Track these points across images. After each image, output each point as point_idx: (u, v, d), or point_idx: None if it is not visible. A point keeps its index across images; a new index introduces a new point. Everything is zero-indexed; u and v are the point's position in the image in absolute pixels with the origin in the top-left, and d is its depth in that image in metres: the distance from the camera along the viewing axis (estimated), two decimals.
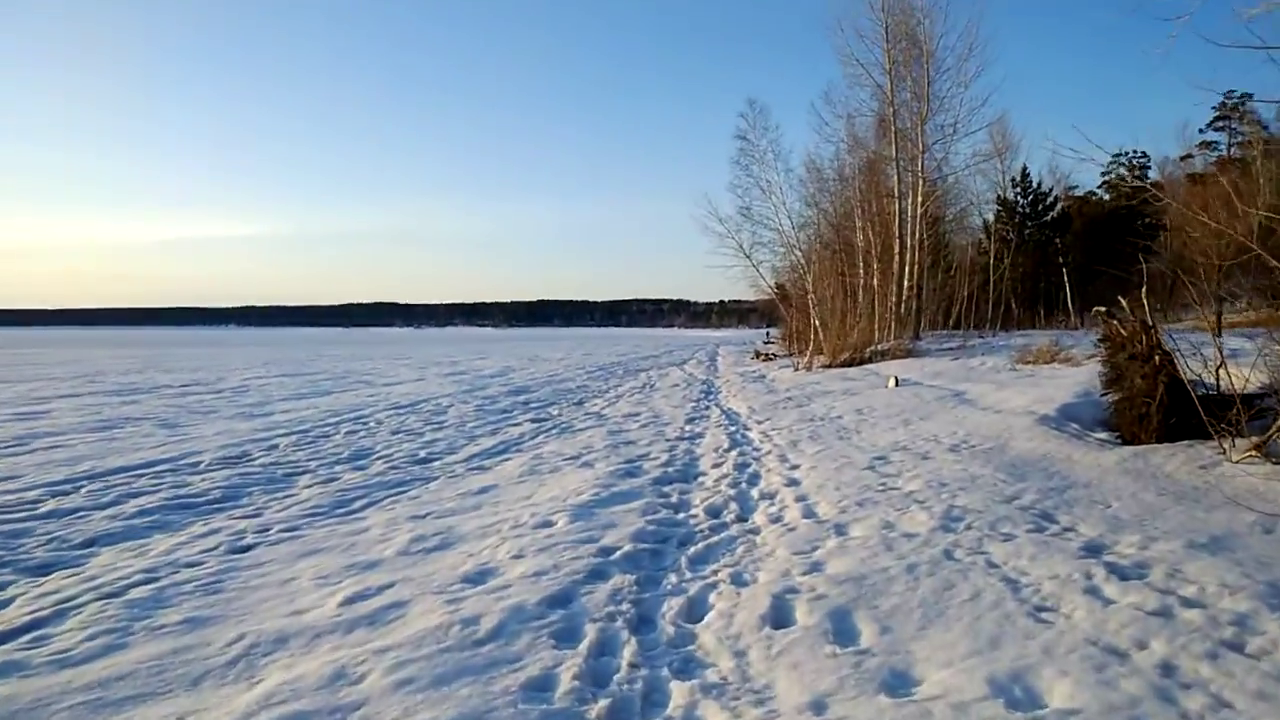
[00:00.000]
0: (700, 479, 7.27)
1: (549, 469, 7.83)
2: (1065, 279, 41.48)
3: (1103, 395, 8.30)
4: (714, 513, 5.91)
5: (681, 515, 5.86)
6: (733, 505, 6.04)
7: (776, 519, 5.53)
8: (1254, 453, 5.87)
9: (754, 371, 22.05)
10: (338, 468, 8.18)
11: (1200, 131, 55.37)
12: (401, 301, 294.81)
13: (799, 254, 28.06)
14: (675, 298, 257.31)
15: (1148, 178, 53.13)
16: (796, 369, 19.95)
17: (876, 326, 24.20)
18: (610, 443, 9.39)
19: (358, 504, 6.59)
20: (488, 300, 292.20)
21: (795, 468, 7.37)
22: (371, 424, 11.57)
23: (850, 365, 19.20)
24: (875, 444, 8.32)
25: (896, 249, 25.99)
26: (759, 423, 10.96)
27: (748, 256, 28.44)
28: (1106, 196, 51.18)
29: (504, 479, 7.44)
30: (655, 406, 13.54)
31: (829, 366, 19.57)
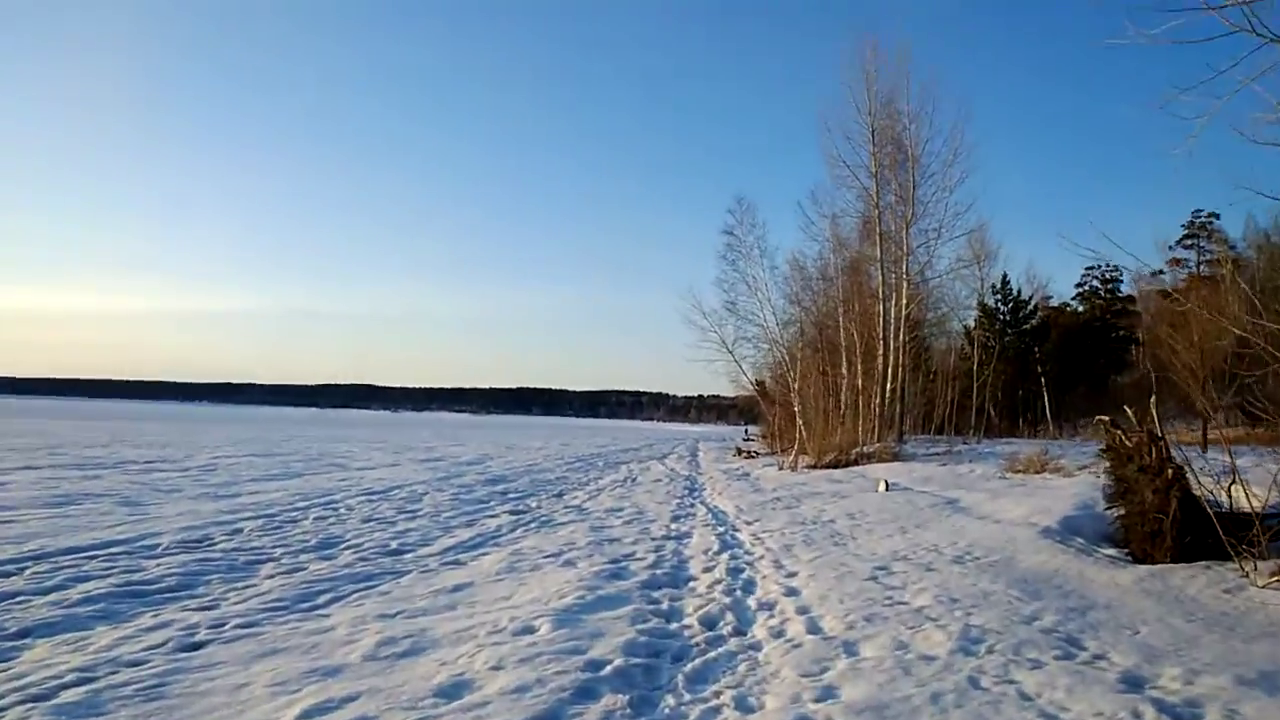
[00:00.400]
0: (691, 584, 6.84)
1: (529, 566, 7.38)
2: (1044, 388, 41.84)
3: (1107, 509, 8.02)
4: (709, 623, 5.49)
5: (674, 625, 5.42)
6: (729, 616, 5.61)
7: (778, 633, 5.12)
8: None
9: (737, 469, 21.68)
10: (304, 556, 7.69)
11: (1170, 248, 57.05)
12: (379, 384, 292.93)
13: (783, 351, 28.09)
14: (655, 390, 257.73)
15: (1120, 291, 54.43)
16: (781, 468, 19.60)
17: (860, 428, 24.00)
18: (593, 539, 8.95)
19: (323, 598, 6.11)
20: (466, 386, 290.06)
21: (793, 575, 6.96)
22: (342, 510, 11.05)
23: (836, 466, 18.89)
24: (874, 552, 7.94)
25: (880, 350, 26.07)
26: (748, 524, 10.55)
27: (730, 351, 28.46)
28: (1080, 308, 52.21)
29: (481, 576, 6.98)
30: (638, 502, 13.10)
31: (814, 467, 19.24)
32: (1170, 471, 6.76)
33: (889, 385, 26.00)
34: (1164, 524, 6.64)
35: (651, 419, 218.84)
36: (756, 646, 4.86)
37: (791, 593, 6.27)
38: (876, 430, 24.57)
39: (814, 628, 5.16)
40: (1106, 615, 5.11)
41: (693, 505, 12.98)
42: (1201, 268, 56.15)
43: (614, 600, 5.99)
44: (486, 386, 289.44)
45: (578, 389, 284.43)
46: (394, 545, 8.45)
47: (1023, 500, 10.33)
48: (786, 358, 27.40)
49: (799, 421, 23.14)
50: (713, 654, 4.69)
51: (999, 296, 41.20)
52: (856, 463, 19.09)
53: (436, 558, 7.87)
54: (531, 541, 8.86)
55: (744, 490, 15.11)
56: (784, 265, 33.46)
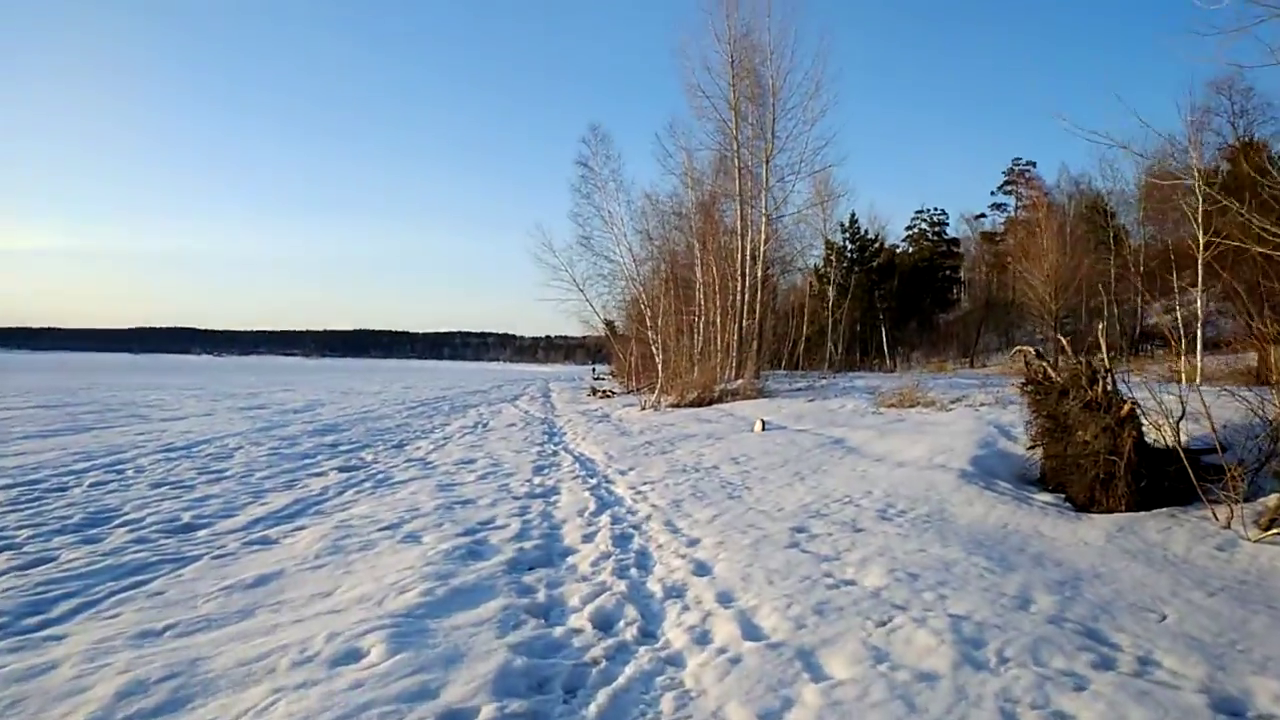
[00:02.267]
0: (570, 560, 5.45)
1: (359, 544, 5.75)
2: (883, 324, 43.05)
3: (1030, 448, 7.21)
4: (605, 623, 4.12)
5: (559, 630, 4.00)
6: (629, 610, 4.25)
7: (702, 636, 3.80)
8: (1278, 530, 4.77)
9: (596, 410, 20.33)
10: (57, 540, 5.77)
11: (991, 194, 60.42)
12: (201, 326, 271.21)
13: (640, 288, 26.86)
14: (500, 331, 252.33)
15: (946, 234, 57.11)
16: (643, 408, 18.47)
17: (720, 366, 23.24)
18: (442, 502, 7.36)
19: (61, 608, 4.38)
20: (298, 328, 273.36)
21: (695, 543, 5.67)
22: (130, 472, 8.88)
23: (701, 405, 17.93)
24: (780, 506, 6.80)
25: (738, 287, 25.32)
26: (622, 474, 9.24)
27: (581, 290, 26.96)
28: (910, 249, 54.20)
29: (294, 561, 5.29)
30: (493, 451, 11.52)
31: (678, 406, 18.21)
32: (1123, 408, 5.90)
33: (746, 322, 25.37)
34: (1118, 468, 5.79)
35: (498, 360, 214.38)
36: (677, 661, 3.53)
37: (702, 569, 4.97)
38: (735, 367, 23.91)
39: (749, 627, 3.86)
40: (1108, 591, 4.10)
41: (555, 453, 11.53)
42: (1019, 211, 59.74)
43: (473, 593, 4.51)
44: (321, 329, 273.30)
45: (420, 331, 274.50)
46: (185, 519, 6.60)
47: (915, 439, 9.53)
48: (644, 294, 26.20)
49: (659, 359, 22.07)
50: (620, 679, 3.33)
51: (848, 235, 41.67)
52: (721, 400, 18.21)
53: (239, 535, 6.09)
54: (364, 508, 7.18)
55: (610, 434, 13.79)
56: (640, 200, 32.20)
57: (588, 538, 6.09)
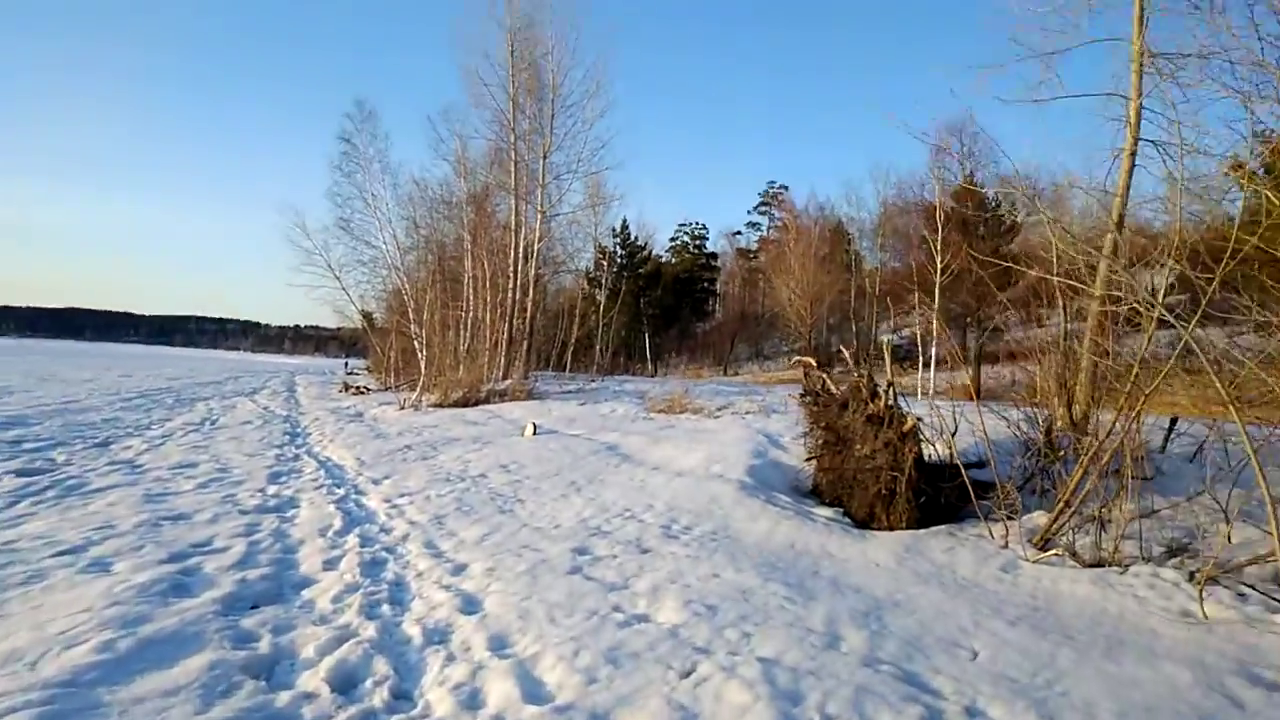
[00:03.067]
0: (306, 594, 4.50)
1: (23, 576, 4.44)
2: (646, 331, 44.03)
3: (809, 460, 7.12)
4: (346, 683, 3.29)
5: (284, 699, 3.12)
6: (379, 664, 3.43)
7: (473, 699, 3.08)
8: (1057, 551, 4.81)
9: (348, 408, 18.62)
10: None
11: (748, 213, 64.34)
12: None
13: (404, 278, 25.24)
14: (243, 318, 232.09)
15: (706, 248, 59.84)
16: (402, 407, 17.14)
17: (488, 364, 22.32)
18: (147, 517, 6.02)
19: None
20: None
21: (462, 570, 4.90)
22: None
23: (466, 405, 16.95)
24: (557, 522, 6.17)
25: (509, 284, 24.54)
26: (376, 483, 8.20)
27: (337, 277, 24.98)
28: (673, 260, 56.16)
29: None
30: (221, 454, 9.94)
31: (441, 406, 17.09)
32: (905, 423, 5.86)
33: (517, 321, 24.66)
34: (899, 484, 5.73)
35: (238, 349, 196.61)
36: None
37: (470, 604, 4.23)
38: (503, 367, 23.11)
39: (531, 684, 3.19)
40: (913, 624, 3.85)
41: (297, 457, 10.17)
42: (771, 231, 63.99)
43: (172, 645, 3.50)
44: (23, 305, 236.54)
45: (147, 313, 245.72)
46: None
47: (689, 447, 9.31)
48: (408, 285, 24.65)
49: (421, 355, 20.74)
50: None
51: (619, 240, 42.09)
52: (488, 401, 17.33)
53: None
54: (41, 524, 5.70)
55: (363, 435, 12.48)
56: (408, 185, 30.47)
57: (331, 564, 5.13)
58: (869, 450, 6.02)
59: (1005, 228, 34.21)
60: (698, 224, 59.51)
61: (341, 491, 7.72)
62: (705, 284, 59.44)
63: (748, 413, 12.79)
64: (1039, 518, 5.42)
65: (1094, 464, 5.00)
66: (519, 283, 24.65)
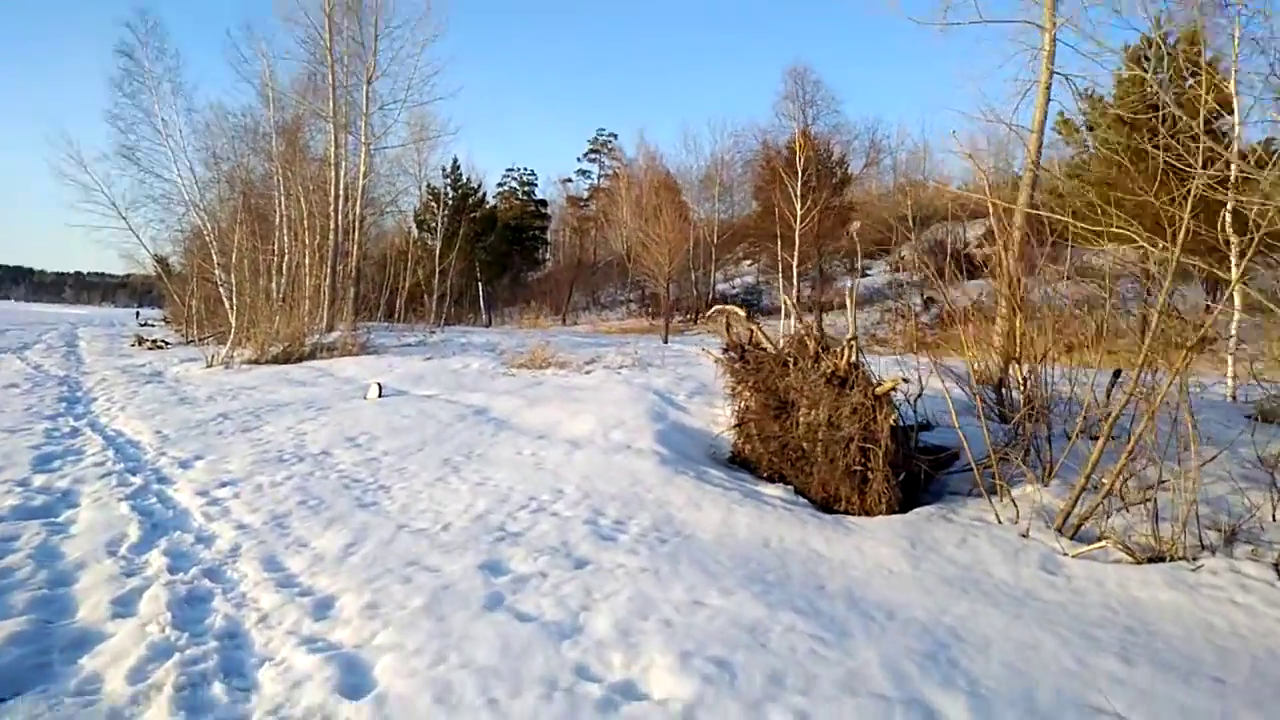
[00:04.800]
0: (84, 665, 2.95)
1: None
2: (480, 278, 41.87)
3: (737, 427, 6.04)
4: None
5: None
6: None
7: None
8: (1104, 543, 3.95)
9: (142, 366, 15.77)
10: None
11: (578, 160, 63.18)
12: None
13: (205, 217, 21.97)
14: (12, 264, 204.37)
15: (535, 194, 58.20)
16: (210, 364, 14.68)
17: (309, 315, 19.89)
18: None
19: None
20: None
21: (327, 607, 3.44)
22: None
23: (289, 361, 14.77)
24: (443, 519, 4.74)
25: (330, 225, 22.01)
26: (185, 465, 6.39)
27: (123, 217, 21.35)
28: (504, 207, 53.98)
29: None
30: None
31: (257, 362, 14.81)
32: (880, 384, 4.86)
33: (340, 266, 22.23)
34: (874, 459, 4.73)
35: (8, 299, 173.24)
36: None
37: (353, 676, 2.82)
38: (327, 318, 20.72)
39: None
40: (999, 668, 2.81)
41: (77, 432, 8.00)
42: (602, 180, 63.12)
43: None
44: None
45: None
46: None
47: (573, 410, 8.04)
48: (211, 226, 21.43)
49: (230, 305, 18.04)
50: None
51: (449, 181, 39.42)
52: (314, 356, 15.19)
53: None
54: None
55: (163, 400, 10.23)
56: (207, 111, 26.71)
57: (125, 603, 3.53)
58: (825, 416, 5.00)
59: (838, 179, 34.71)
60: (526, 170, 57.45)
61: (138, 481, 5.89)
62: (536, 231, 57.62)
63: (622, 367, 11.63)
64: (1033, 493, 4.62)
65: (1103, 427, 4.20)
66: (341, 223, 22.19)
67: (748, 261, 48.19)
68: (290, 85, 24.03)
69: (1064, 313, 6.53)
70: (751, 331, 6.04)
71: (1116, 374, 6.50)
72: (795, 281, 22.20)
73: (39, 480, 5.76)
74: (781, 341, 5.77)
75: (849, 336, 5.12)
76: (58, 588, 3.73)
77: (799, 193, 21.47)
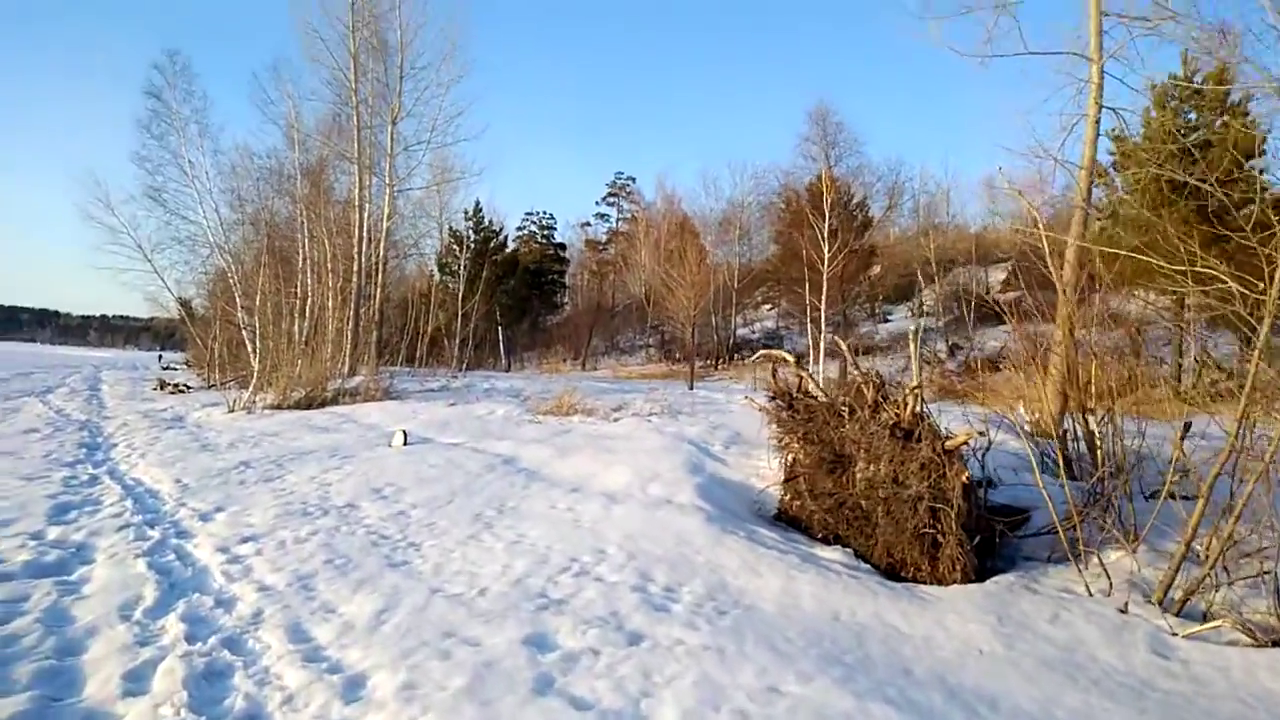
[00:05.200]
0: None
1: None
2: (500, 324, 41.83)
3: (788, 482, 5.69)
4: None
5: None
6: None
7: None
8: (1221, 623, 3.57)
9: (164, 410, 15.63)
10: None
11: (596, 204, 63.51)
12: None
13: (230, 259, 21.98)
14: (38, 306, 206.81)
15: (554, 237, 58.40)
16: (232, 409, 14.50)
17: (331, 358, 19.76)
18: None
19: None
20: None
21: (358, 688, 3.11)
22: None
23: (311, 407, 14.56)
24: (479, 582, 4.41)
25: (354, 267, 21.96)
26: (205, 518, 6.10)
27: (148, 259, 21.36)
28: (521, 249, 54.10)
29: None
30: None
31: (279, 408, 14.61)
32: (947, 439, 4.52)
33: (364, 310, 22.13)
34: (945, 520, 4.38)
35: (34, 341, 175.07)
36: None
37: None
38: (348, 362, 20.55)
39: None
40: None
41: (95, 480, 7.76)
42: (620, 223, 63.40)
43: None
44: None
45: None
46: None
47: (605, 460, 7.72)
48: (234, 267, 21.44)
49: (253, 348, 17.94)
50: None
51: (472, 224, 39.58)
52: (337, 401, 14.98)
53: None
54: None
55: (184, 447, 10.01)
56: (232, 152, 26.92)
57: (137, 678, 3.23)
58: (889, 473, 4.65)
59: (859, 222, 34.53)
60: (545, 214, 57.77)
61: (156, 534, 5.61)
62: (555, 275, 57.71)
63: (651, 414, 11.31)
64: (1122, 561, 4.23)
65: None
66: (364, 265, 22.15)
67: (767, 306, 47.99)
68: (315, 127, 24.20)
69: (1126, 358, 6.17)
70: (801, 378, 5.73)
71: (1187, 426, 6.13)
72: (823, 326, 21.83)
73: (54, 533, 5.49)
74: (834, 389, 5.45)
75: (913, 385, 4.79)
76: (66, 657, 3.43)
77: (826, 234, 21.25)
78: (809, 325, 23.17)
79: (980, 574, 4.48)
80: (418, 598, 4.15)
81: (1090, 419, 5.57)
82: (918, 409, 4.75)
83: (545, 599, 4.11)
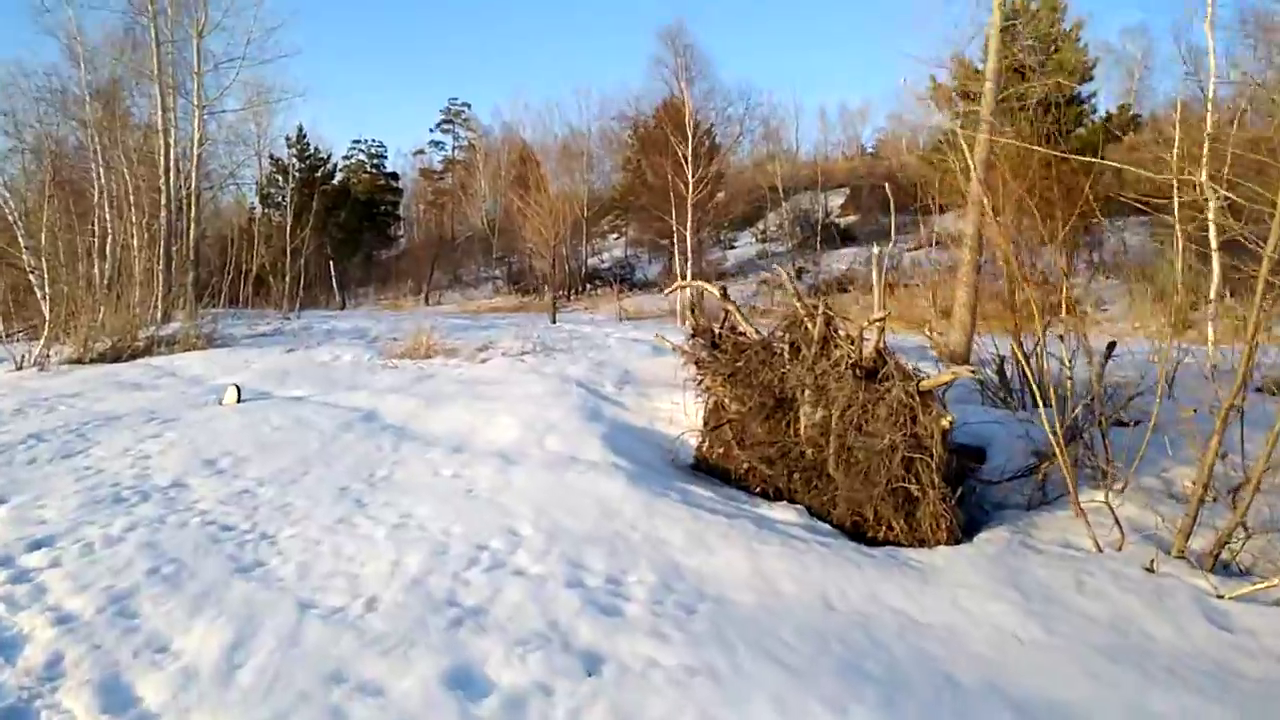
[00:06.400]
0: None
1: None
2: (331, 258, 38.96)
3: (715, 429, 4.98)
4: None
5: None
6: None
7: None
8: (1270, 582, 3.11)
9: None
10: None
11: (430, 131, 60.36)
12: None
13: (5, 194, 18.71)
14: None
15: (385, 166, 55.12)
16: (21, 365, 12.31)
17: (140, 303, 17.35)
18: None
19: None
20: None
21: None
22: None
23: (119, 359, 12.59)
24: (360, 588, 3.43)
25: (163, 200, 19.33)
26: None
27: None
28: (350, 180, 50.60)
29: None
30: None
31: (80, 362, 12.53)
32: (914, 380, 3.90)
33: (177, 246, 19.63)
34: (923, 473, 3.77)
35: None
36: None
37: None
38: (161, 305, 18.16)
39: None
40: None
41: None
42: (457, 151, 60.52)
43: None
44: None
45: None
46: None
47: (485, 409, 6.79)
48: (13, 203, 18.23)
49: (43, 294, 15.37)
50: None
51: (295, 151, 36.22)
52: (151, 352, 13.00)
53: None
54: None
55: None
56: (3, 69, 23.00)
57: None
58: (845, 418, 4.01)
59: (706, 148, 34.02)
60: (374, 141, 54.00)
61: None
62: (388, 206, 54.35)
63: (523, 353, 10.34)
64: (1115, 505, 3.77)
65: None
66: (174, 198, 19.56)
67: (614, 235, 47.15)
68: (105, 40, 20.92)
69: (1048, 279, 5.79)
70: (726, 313, 5.00)
71: (1111, 346, 5.86)
72: (688, 253, 21.28)
73: None
74: (776, 324, 4.74)
75: (875, 317, 4.14)
76: None
77: (689, 157, 20.56)
78: (675, 254, 22.54)
79: (966, 531, 3.96)
80: (283, 619, 3.15)
81: (1024, 343, 5.15)
82: (881, 344, 4.12)
83: (457, 608, 3.21)
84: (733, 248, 40.78)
